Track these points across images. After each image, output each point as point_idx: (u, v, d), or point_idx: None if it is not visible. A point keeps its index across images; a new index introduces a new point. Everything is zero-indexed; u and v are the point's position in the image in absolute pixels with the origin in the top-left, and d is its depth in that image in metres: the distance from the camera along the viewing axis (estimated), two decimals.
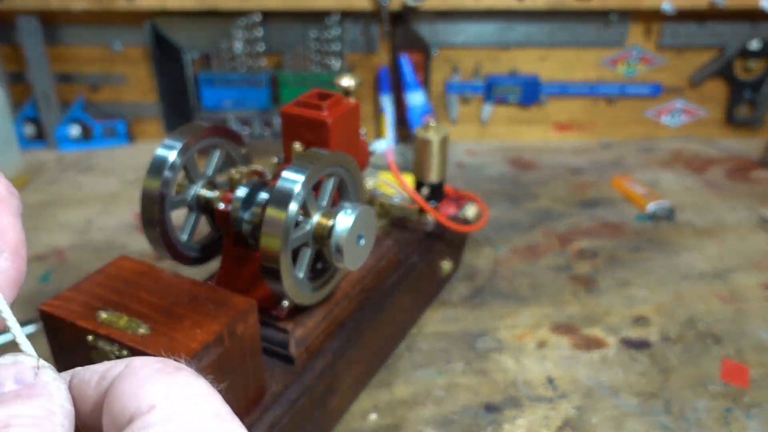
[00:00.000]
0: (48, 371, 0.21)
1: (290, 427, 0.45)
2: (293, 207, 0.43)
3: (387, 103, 0.98)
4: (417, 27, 0.95)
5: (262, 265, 0.44)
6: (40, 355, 0.22)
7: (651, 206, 0.81)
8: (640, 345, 0.60)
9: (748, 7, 0.92)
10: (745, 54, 0.97)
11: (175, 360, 0.22)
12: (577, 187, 0.88)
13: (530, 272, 0.70)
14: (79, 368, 0.23)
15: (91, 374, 0.22)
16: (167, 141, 0.48)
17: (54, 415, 0.21)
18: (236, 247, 0.50)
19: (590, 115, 1.02)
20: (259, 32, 0.94)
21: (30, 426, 0.20)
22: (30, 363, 0.21)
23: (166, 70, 0.97)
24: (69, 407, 0.21)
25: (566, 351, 0.59)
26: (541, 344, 0.60)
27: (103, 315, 0.40)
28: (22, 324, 0.58)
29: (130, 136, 1.02)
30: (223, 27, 0.95)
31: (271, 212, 0.43)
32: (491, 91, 1.00)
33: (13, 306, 0.22)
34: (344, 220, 0.46)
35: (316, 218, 0.46)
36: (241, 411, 0.43)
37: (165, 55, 0.95)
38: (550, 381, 0.55)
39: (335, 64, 0.95)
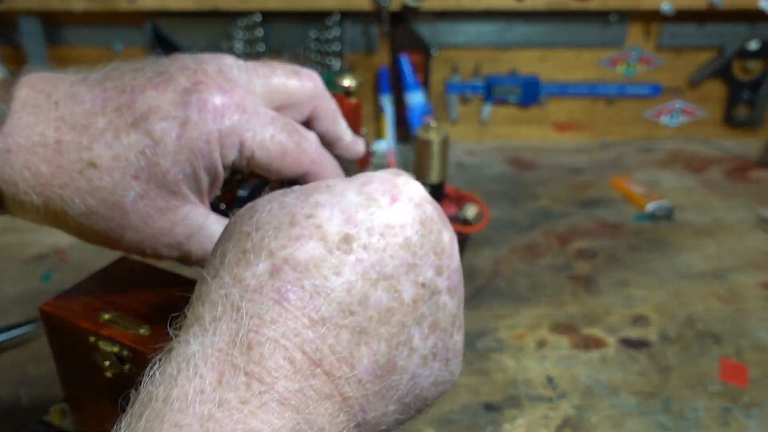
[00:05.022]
0: None
1: None
2: None
3: (387, 103, 0.99)
4: (417, 27, 0.96)
5: None
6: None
7: (650, 206, 0.81)
8: (640, 345, 0.60)
9: (747, 8, 0.92)
10: (744, 54, 0.97)
11: None
12: (576, 187, 0.89)
13: (530, 272, 0.70)
14: None
15: None
16: None
17: None
18: None
19: (590, 115, 1.02)
20: (259, 32, 0.95)
21: None
22: None
23: None
24: None
25: (566, 351, 0.59)
26: (541, 344, 0.60)
27: (105, 315, 0.40)
28: (23, 324, 0.58)
29: None
30: (223, 27, 0.95)
31: None
32: (491, 91, 1.00)
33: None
34: None
35: None
36: None
37: (165, 56, 0.95)
38: (550, 380, 0.56)
39: (335, 64, 0.95)
